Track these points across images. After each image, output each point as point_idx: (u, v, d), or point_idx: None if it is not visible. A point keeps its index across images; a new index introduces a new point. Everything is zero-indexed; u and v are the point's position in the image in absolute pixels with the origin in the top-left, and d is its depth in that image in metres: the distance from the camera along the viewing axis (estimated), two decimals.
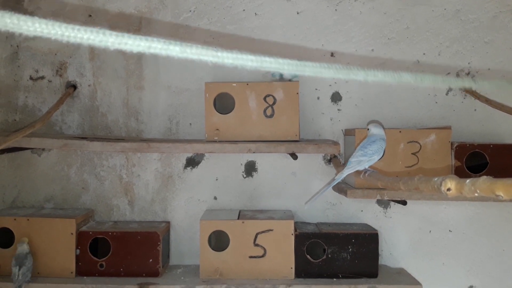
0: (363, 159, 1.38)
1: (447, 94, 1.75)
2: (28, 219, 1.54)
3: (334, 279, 1.54)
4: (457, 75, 1.74)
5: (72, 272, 1.54)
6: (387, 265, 1.72)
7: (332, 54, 1.75)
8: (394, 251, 1.74)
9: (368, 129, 1.49)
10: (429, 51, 1.75)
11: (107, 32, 0.37)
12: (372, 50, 1.75)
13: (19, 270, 1.45)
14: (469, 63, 1.74)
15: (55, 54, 1.76)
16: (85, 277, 1.54)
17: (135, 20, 1.75)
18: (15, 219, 1.54)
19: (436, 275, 1.73)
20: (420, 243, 1.74)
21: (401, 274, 1.64)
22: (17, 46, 1.75)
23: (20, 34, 1.71)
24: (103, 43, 0.37)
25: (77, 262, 1.54)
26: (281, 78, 1.67)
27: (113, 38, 0.37)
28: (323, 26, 1.75)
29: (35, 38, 1.74)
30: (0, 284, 1.50)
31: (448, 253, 1.74)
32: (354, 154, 1.43)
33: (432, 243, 1.74)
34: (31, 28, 0.36)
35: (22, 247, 1.49)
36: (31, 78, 1.76)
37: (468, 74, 1.74)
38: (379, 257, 1.61)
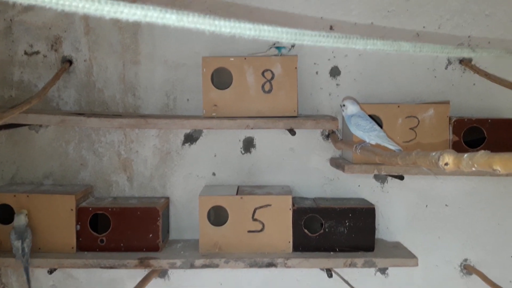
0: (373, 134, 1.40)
1: (446, 68, 1.74)
2: (27, 196, 1.55)
3: (331, 253, 1.56)
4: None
5: (73, 248, 1.56)
6: (384, 239, 1.75)
7: (331, 27, 1.72)
8: (390, 225, 1.76)
9: (345, 105, 1.46)
10: (429, 24, 1.72)
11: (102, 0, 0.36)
12: (372, 23, 1.72)
13: (23, 243, 1.45)
14: (469, 36, 1.72)
15: (49, 28, 1.72)
16: (86, 252, 1.56)
17: None
18: (14, 196, 1.55)
19: (432, 249, 1.76)
20: (416, 217, 1.76)
21: (397, 248, 1.67)
22: (11, 20, 1.72)
23: (14, 7, 1.65)
24: (98, 11, 0.36)
25: (77, 238, 1.56)
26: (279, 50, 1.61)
27: (108, 6, 0.36)
28: None
29: (28, 12, 1.71)
30: (1, 260, 1.52)
31: (444, 227, 1.76)
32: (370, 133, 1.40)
33: (429, 217, 1.76)
34: None
35: (20, 218, 1.47)
36: (25, 53, 1.73)
37: (468, 47, 1.72)
38: (376, 231, 1.63)
